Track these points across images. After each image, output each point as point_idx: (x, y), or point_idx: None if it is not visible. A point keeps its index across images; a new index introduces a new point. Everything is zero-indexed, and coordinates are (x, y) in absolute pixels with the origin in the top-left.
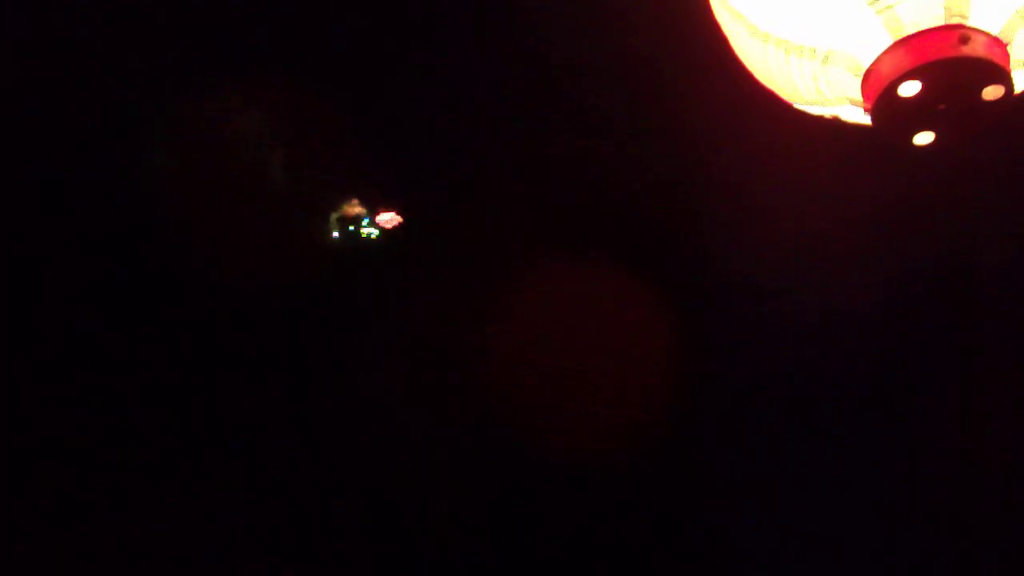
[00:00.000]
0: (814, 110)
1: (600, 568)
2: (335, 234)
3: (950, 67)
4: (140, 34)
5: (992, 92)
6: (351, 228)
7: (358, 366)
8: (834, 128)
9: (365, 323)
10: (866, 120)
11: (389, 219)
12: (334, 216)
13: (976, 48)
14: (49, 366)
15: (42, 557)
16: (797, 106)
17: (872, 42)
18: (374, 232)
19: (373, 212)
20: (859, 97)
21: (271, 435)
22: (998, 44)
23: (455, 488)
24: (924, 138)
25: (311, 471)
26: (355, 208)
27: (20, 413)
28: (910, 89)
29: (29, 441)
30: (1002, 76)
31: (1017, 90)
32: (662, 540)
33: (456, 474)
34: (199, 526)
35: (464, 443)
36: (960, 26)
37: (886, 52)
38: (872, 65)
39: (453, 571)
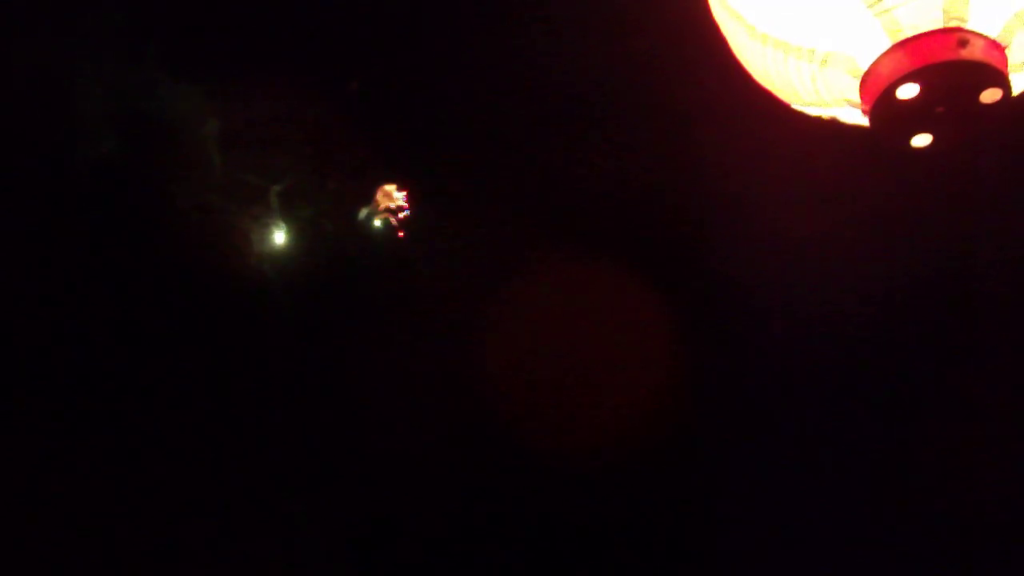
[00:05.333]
0: (812, 111)
1: (600, 567)
2: (337, 230)
3: (948, 70)
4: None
5: (990, 95)
6: (352, 225)
7: (356, 364)
8: (832, 129)
9: (365, 321)
10: (864, 121)
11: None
12: (333, 214)
13: (974, 52)
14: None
15: (43, 557)
16: (795, 107)
17: (871, 44)
18: (375, 230)
19: (374, 210)
20: (857, 99)
21: (268, 434)
22: (996, 47)
23: (455, 487)
24: (922, 140)
25: (309, 470)
26: (357, 206)
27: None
28: (908, 92)
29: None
30: (1000, 80)
31: (1015, 93)
32: (662, 539)
33: (456, 473)
34: (196, 524)
35: (464, 442)
36: (959, 29)
37: (885, 54)
38: (871, 67)
39: (451, 570)
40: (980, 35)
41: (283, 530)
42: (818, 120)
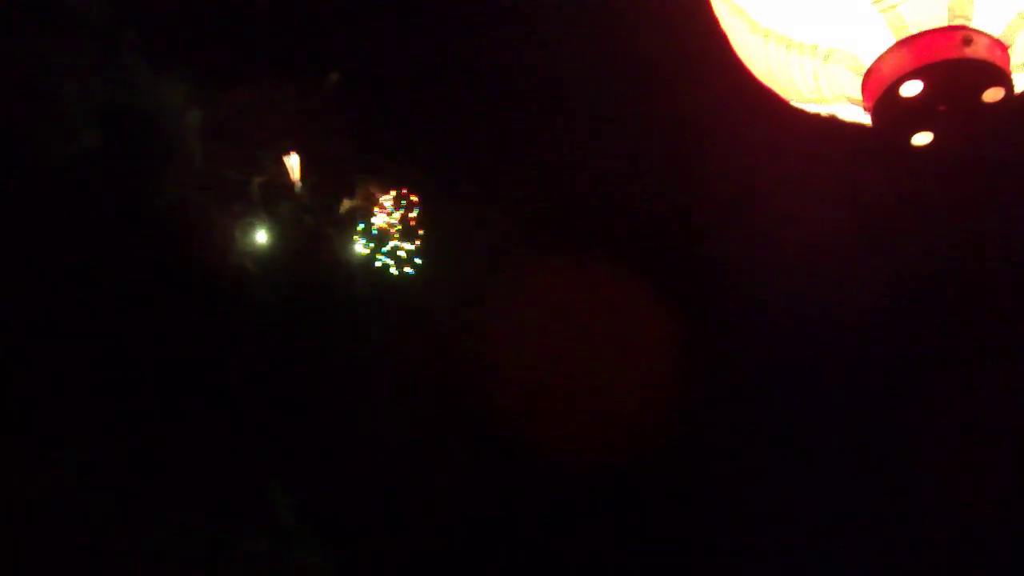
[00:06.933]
0: (811, 108)
1: (600, 565)
2: (318, 226)
3: (952, 69)
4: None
5: (992, 94)
6: (350, 226)
7: (358, 363)
8: (831, 127)
9: (348, 318)
10: (864, 119)
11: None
12: (327, 213)
13: (978, 50)
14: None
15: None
16: (794, 104)
17: (875, 41)
18: (358, 226)
19: (357, 206)
20: (859, 96)
21: (271, 431)
22: (1000, 46)
23: (456, 488)
24: (923, 138)
25: (311, 467)
26: (356, 205)
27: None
28: (912, 89)
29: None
30: (1003, 79)
31: (1017, 92)
32: (661, 537)
33: (457, 474)
34: (196, 520)
35: (465, 443)
36: (963, 27)
37: (888, 51)
38: (874, 64)
39: (453, 569)
40: (984, 34)
41: (277, 529)
42: (817, 118)
